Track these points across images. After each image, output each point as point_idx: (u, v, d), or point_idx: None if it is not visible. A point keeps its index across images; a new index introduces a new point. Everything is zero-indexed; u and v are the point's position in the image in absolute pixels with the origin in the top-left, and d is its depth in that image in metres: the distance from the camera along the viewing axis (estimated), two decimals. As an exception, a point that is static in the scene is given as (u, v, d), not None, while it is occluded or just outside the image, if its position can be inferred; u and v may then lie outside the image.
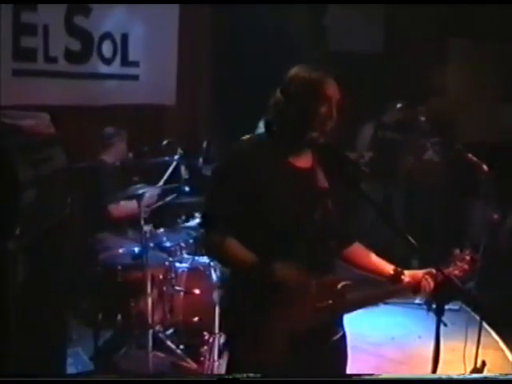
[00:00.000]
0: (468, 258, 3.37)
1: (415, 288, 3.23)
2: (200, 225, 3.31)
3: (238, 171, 3.02)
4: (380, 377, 2.49)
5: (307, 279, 2.99)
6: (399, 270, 3.30)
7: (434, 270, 3.21)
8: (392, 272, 3.29)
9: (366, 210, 7.41)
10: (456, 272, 3.31)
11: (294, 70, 3.11)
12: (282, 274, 2.94)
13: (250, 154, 3.05)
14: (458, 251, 3.40)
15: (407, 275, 3.28)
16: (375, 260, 3.38)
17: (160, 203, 5.98)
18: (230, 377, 2.66)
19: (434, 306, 3.06)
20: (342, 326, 3.25)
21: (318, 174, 3.15)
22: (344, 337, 3.28)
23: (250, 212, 3.01)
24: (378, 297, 3.41)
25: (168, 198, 5.96)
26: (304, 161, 3.15)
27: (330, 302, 3.08)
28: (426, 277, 3.21)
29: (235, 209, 3.01)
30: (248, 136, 3.19)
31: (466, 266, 3.35)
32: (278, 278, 2.93)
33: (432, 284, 3.19)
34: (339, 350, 3.27)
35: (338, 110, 3.09)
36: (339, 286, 3.11)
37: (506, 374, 3.07)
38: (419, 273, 3.24)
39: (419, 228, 7.48)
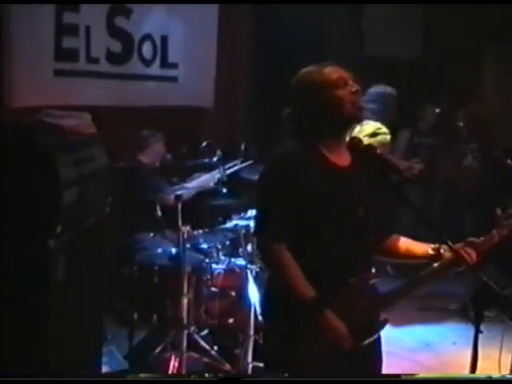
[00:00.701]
0: None
1: (457, 261, 3.14)
2: (255, 232, 3.26)
3: (287, 173, 3.03)
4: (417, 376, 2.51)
5: (348, 339, 3.00)
6: (437, 245, 3.25)
7: (472, 239, 3.20)
8: (431, 251, 3.25)
9: (403, 213, 7.39)
10: (505, 232, 3.26)
11: (294, 81, 3.15)
12: (328, 326, 2.97)
13: (296, 156, 3.06)
14: (499, 211, 3.31)
15: (446, 250, 3.21)
16: (413, 243, 3.35)
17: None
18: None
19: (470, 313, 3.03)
20: (378, 327, 3.22)
21: (357, 173, 3.14)
22: (379, 340, 3.26)
23: (299, 212, 3.01)
24: (420, 280, 3.28)
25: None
26: (344, 159, 3.16)
27: (367, 301, 3.09)
28: (465, 248, 3.16)
29: (288, 211, 3.01)
30: (288, 142, 3.20)
31: None
32: (323, 328, 2.97)
33: (474, 254, 3.14)
34: (374, 353, 3.26)
35: (357, 83, 3.10)
36: (372, 282, 3.13)
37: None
38: (456, 247, 3.15)
39: (458, 234, 7.41)
